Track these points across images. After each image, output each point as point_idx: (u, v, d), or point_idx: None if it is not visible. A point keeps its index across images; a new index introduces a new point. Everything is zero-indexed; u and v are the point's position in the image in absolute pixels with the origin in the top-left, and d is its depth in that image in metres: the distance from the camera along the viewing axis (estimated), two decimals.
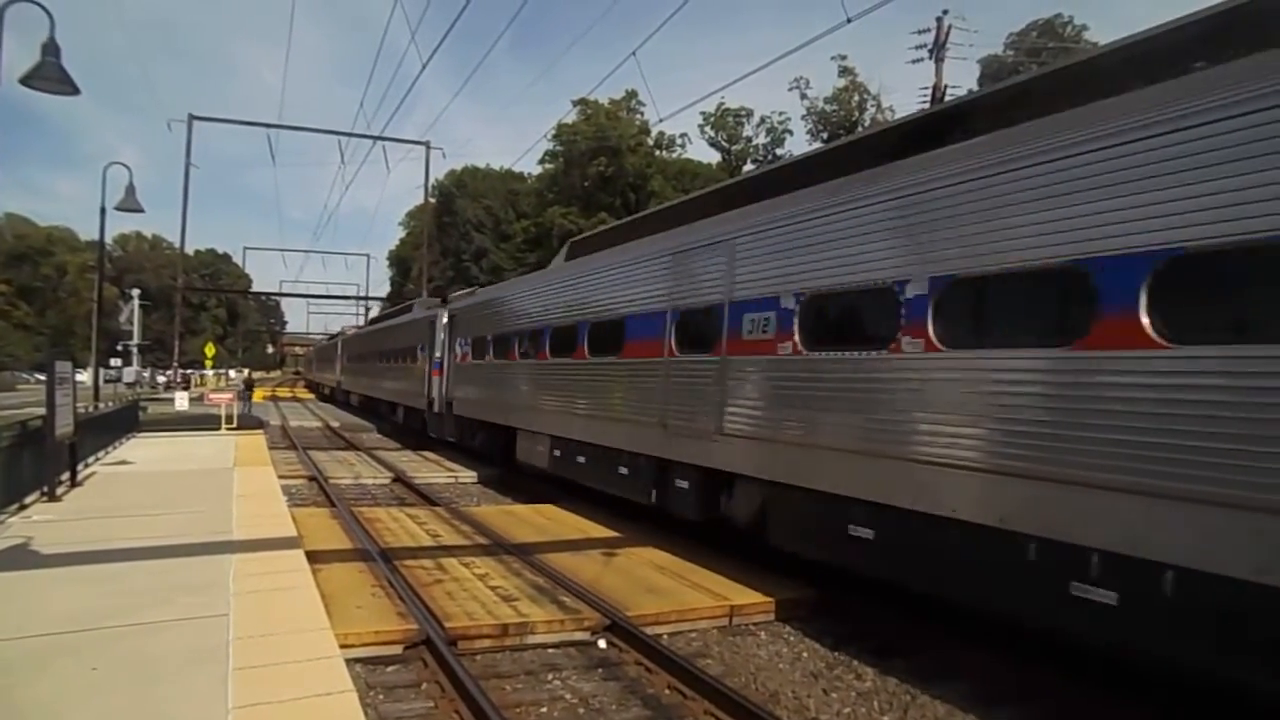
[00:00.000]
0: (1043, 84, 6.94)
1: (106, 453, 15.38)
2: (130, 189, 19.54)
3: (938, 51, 29.41)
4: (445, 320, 21.91)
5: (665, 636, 7.29)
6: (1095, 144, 5.45)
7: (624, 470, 11.48)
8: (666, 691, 6.16)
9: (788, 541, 8.33)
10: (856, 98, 71.19)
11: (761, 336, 8.49)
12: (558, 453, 13.76)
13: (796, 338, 8.04)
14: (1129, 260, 5.13)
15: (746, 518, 8.90)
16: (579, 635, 7.25)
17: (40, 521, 8.92)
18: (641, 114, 75.29)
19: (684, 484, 10.02)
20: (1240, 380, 4.57)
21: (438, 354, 22.24)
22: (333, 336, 68.45)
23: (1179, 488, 4.76)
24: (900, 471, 6.66)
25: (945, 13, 29.49)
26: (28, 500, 9.91)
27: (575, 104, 70.80)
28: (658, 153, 79.56)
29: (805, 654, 7.18)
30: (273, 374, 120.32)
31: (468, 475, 18.28)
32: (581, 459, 12.86)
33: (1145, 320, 5.05)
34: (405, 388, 26.27)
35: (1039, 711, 5.98)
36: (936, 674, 6.62)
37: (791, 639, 7.56)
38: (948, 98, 29.73)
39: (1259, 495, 4.40)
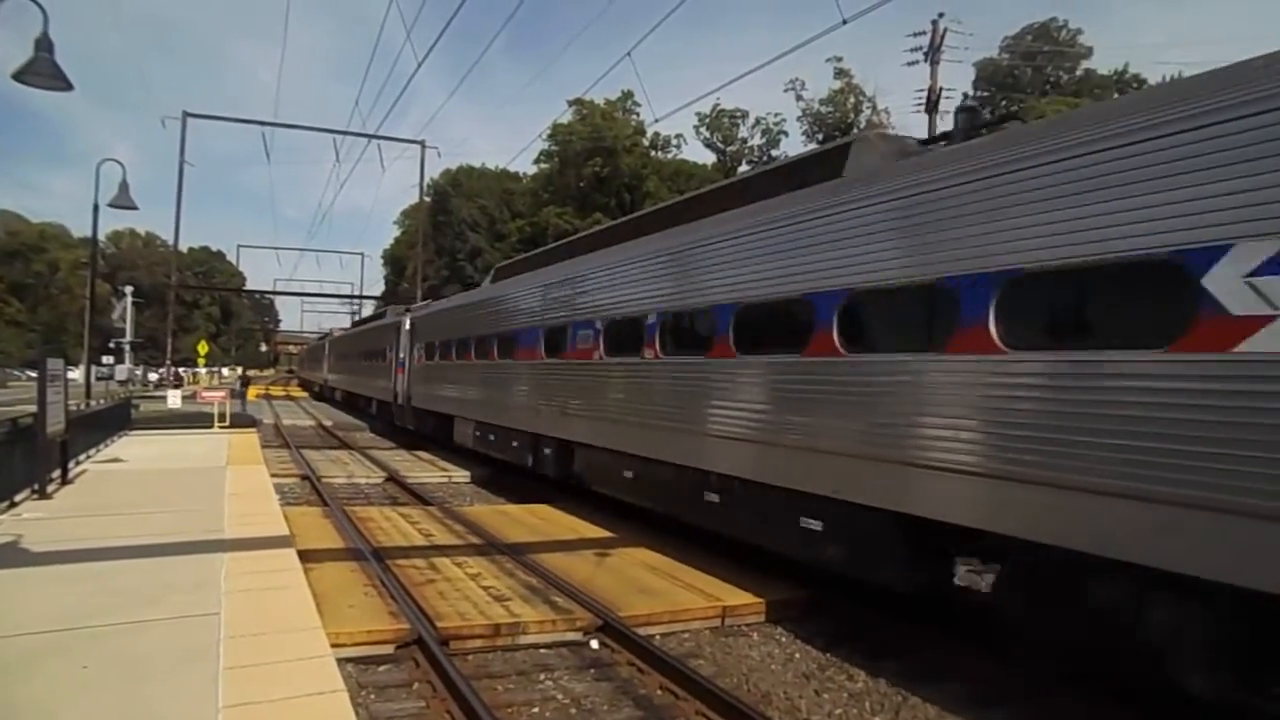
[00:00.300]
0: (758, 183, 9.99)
1: (98, 450, 15.32)
2: (124, 186, 19.43)
3: (933, 54, 29.50)
4: (408, 326, 25.11)
5: (657, 637, 7.29)
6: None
7: (515, 444, 15.50)
8: (659, 692, 6.16)
9: (595, 483, 12.43)
10: (852, 100, 71.31)
11: (585, 347, 12.37)
12: (478, 434, 17.84)
13: (601, 348, 11.90)
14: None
15: (580, 471, 12.84)
16: (571, 635, 7.25)
17: (31, 519, 8.87)
18: (637, 115, 75.20)
19: (548, 451, 13.92)
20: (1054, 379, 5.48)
21: (401, 355, 25.50)
22: (322, 337, 68.72)
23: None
24: (656, 435, 10.15)
25: (941, 15, 29.61)
26: (18, 498, 9.86)
27: (571, 104, 70.72)
28: (653, 153, 79.53)
29: (797, 655, 7.19)
30: (266, 372, 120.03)
31: (461, 475, 18.26)
32: (492, 437, 16.93)
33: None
34: (378, 384, 29.60)
35: (1031, 712, 6.00)
36: (928, 675, 6.64)
37: (783, 640, 7.56)
38: (943, 101, 29.88)
39: None
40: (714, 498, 9.12)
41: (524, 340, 15.02)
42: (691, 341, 9.75)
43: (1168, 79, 58.08)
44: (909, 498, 6.39)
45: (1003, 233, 5.87)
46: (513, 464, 15.89)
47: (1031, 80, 65.69)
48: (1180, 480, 4.62)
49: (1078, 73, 65.52)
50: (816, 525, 7.51)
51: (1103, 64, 65.40)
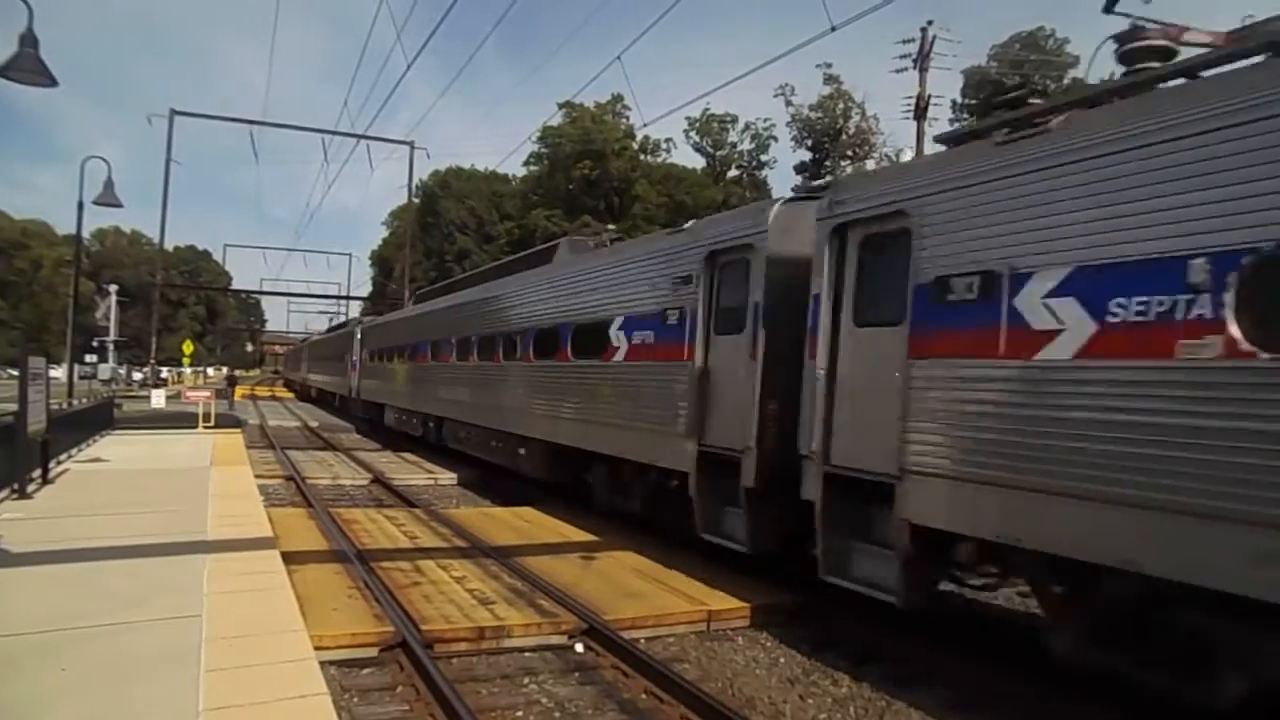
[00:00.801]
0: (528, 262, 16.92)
1: (80, 450, 15.18)
2: (109, 184, 19.33)
3: (922, 61, 29.65)
4: (359, 336, 32.33)
5: (643, 641, 7.28)
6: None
7: (415, 421, 22.86)
8: (643, 696, 6.15)
9: (451, 443, 19.63)
10: (841, 105, 71.59)
11: (443, 355, 19.75)
12: (399, 417, 25.19)
13: (454, 356, 18.84)
14: None
15: (446, 436, 19.97)
16: (556, 639, 7.23)
17: (10, 519, 8.78)
18: (627, 118, 75.27)
19: (432, 424, 21.14)
20: None
21: (354, 358, 32.50)
22: (302, 341, 69.32)
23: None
24: (481, 411, 16.98)
25: (930, 23, 29.76)
26: None
27: (561, 106, 70.70)
28: (643, 157, 79.58)
29: (782, 659, 7.20)
30: (252, 373, 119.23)
31: (447, 477, 18.20)
32: (403, 417, 24.49)
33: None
34: (338, 381, 37.66)
35: (1016, 718, 6.02)
36: (913, 680, 6.66)
37: (768, 644, 7.57)
38: (931, 108, 30.04)
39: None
40: (522, 450, 14.76)
41: (419, 349, 22.45)
42: (488, 352, 16.53)
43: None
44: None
45: (623, 287, 11.03)
46: (411, 435, 23.64)
47: (1019, 88, 66.15)
48: None
49: (1065, 81, 66.05)
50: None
51: (1090, 74, 65.95)
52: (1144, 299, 4.83)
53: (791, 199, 8.88)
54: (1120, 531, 4.89)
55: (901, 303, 6.53)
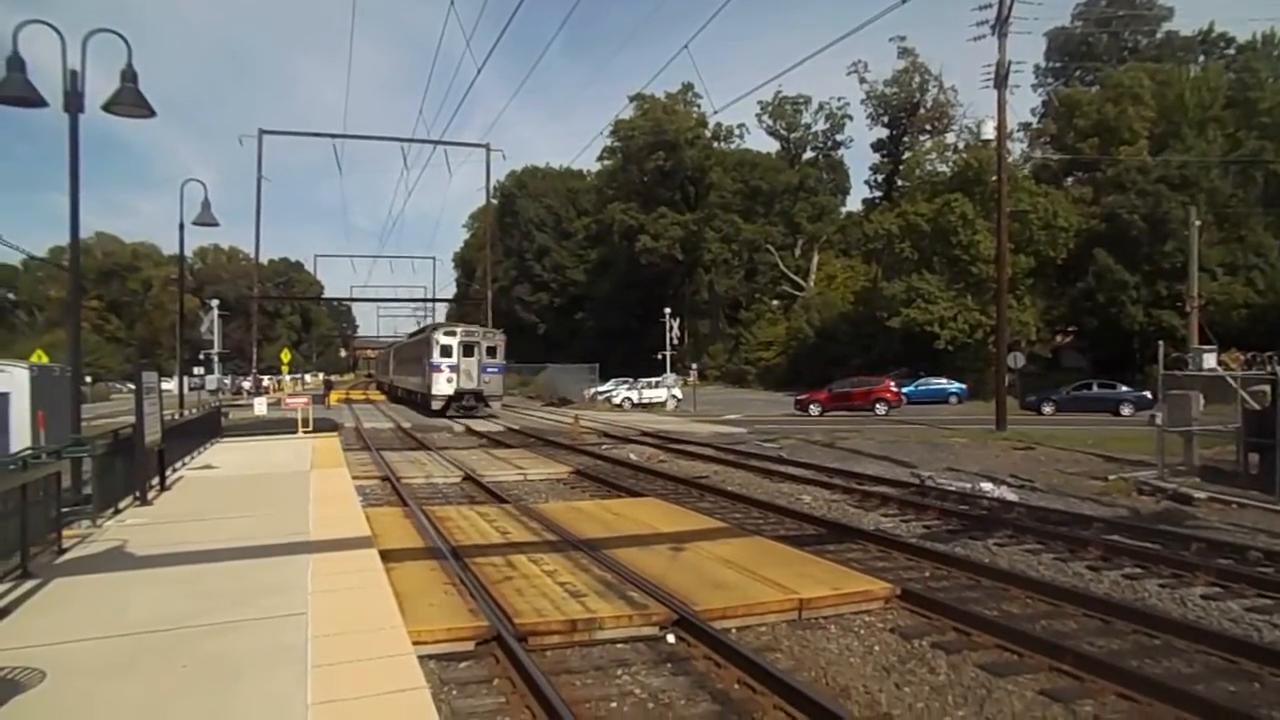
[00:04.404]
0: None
1: (192, 458, 16.03)
2: (206, 204, 20.24)
3: (1000, 27, 28.48)
4: (438, 337, 38.97)
5: (733, 631, 7.26)
6: None
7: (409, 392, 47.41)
8: (736, 686, 6.13)
9: (393, 400, 56.34)
10: (917, 79, 69.57)
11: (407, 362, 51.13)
12: (400, 392, 52.98)
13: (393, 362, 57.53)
14: None
15: (401, 395, 52.94)
16: (647, 630, 7.27)
17: (133, 525, 9.35)
18: (698, 107, 74.77)
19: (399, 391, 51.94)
20: None
21: (432, 359, 38.02)
22: (387, 347, 73.68)
23: None
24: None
25: None
26: (122, 505, 10.40)
27: (632, 99, 70.76)
28: (716, 144, 78.90)
29: (876, 648, 7.07)
30: (346, 377, 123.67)
31: (536, 473, 18.52)
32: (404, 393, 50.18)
33: None
34: (418, 381, 42.70)
35: (1122, 706, 5.77)
36: (1013, 668, 6.45)
37: (862, 632, 7.44)
38: (1012, 74, 28.86)
39: None
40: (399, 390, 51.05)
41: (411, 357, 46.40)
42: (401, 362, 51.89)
43: (1259, 37, 55.18)
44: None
45: (415, 347, 45.96)
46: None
47: (1108, 47, 62.91)
48: None
49: (1158, 36, 62.51)
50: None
51: (1185, 24, 62.14)
52: None
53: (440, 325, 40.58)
54: None
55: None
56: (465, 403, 37.05)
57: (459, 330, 38.95)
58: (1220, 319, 38.66)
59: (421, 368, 39.38)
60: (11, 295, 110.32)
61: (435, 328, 40.86)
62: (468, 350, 37.26)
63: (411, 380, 44.71)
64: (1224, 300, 43.46)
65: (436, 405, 37.03)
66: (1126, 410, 36.62)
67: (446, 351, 37.08)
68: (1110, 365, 47.39)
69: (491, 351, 38.15)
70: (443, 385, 36.89)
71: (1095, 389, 39.95)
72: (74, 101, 10.01)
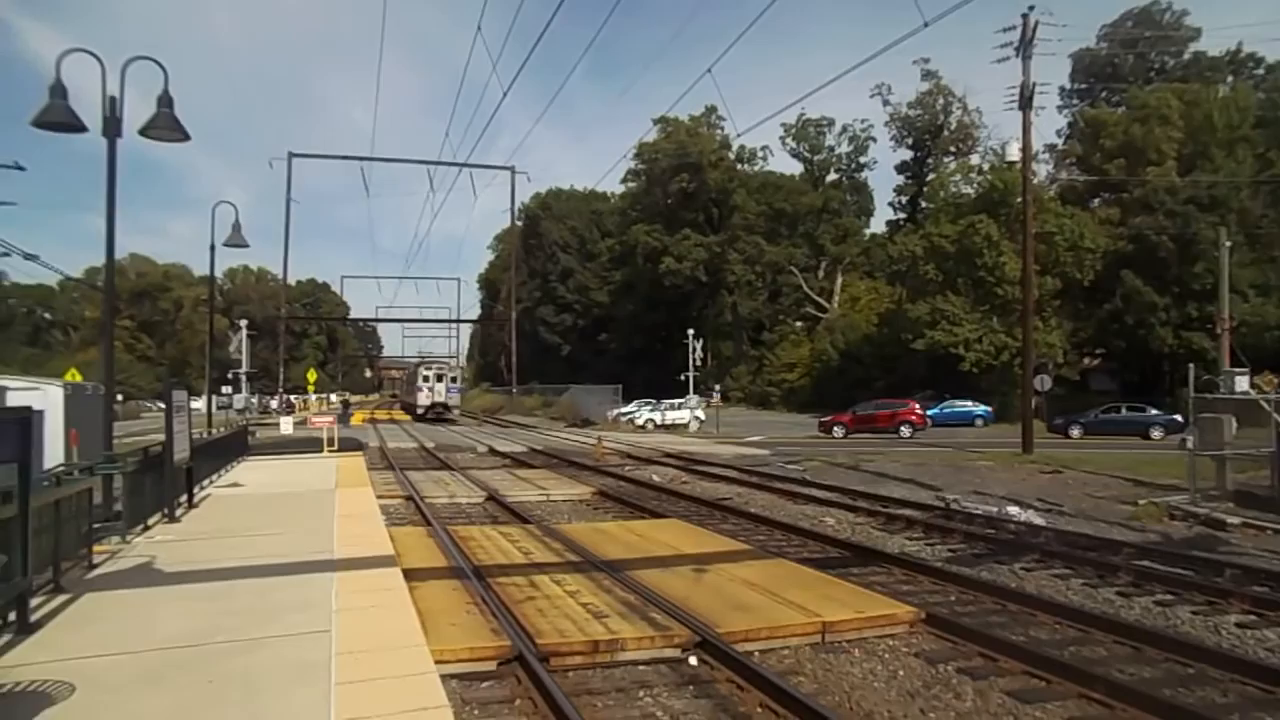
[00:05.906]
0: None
1: (220, 475, 16.22)
2: (236, 226, 20.58)
3: (1024, 49, 28.45)
4: (421, 370, 62.34)
5: (756, 654, 7.20)
6: None
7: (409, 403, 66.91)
8: (759, 710, 6.08)
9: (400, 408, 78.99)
10: (941, 101, 69.54)
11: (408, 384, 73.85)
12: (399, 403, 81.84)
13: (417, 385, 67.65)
14: None
15: (406, 405, 72.75)
16: (669, 652, 7.23)
17: (161, 541, 9.48)
18: (721, 129, 75.09)
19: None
20: None
21: (417, 384, 60.89)
22: (415, 367, 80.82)
23: None
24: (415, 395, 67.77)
25: (1031, 9, 28.52)
26: (150, 521, 10.55)
27: (655, 122, 71.32)
28: (740, 166, 79.13)
29: (901, 672, 6.99)
30: (370, 397, 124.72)
31: (559, 493, 18.53)
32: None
33: None
34: (409, 397, 65.38)
35: None
36: (1041, 695, 6.35)
37: (886, 656, 7.36)
38: (1037, 96, 28.78)
39: None
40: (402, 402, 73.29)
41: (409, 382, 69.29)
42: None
43: None
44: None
45: (403, 385, 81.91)
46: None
47: (1134, 68, 62.49)
48: None
49: (1185, 56, 62.04)
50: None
51: (1213, 45, 61.59)
52: None
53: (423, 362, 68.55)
54: None
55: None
56: (435, 410, 58.02)
57: (434, 365, 62.95)
58: (1252, 341, 38.06)
59: (413, 389, 62.85)
60: (48, 315, 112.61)
61: (420, 363, 68.08)
62: (439, 378, 59.40)
63: (408, 397, 68.88)
64: (1256, 322, 42.79)
65: (420, 411, 58.89)
66: (1157, 434, 36.04)
67: (426, 379, 59.40)
68: (1139, 388, 46.74)
69: (453, 379, 62.50)
70: (423, 399, 58.63)
71: (1124, 412, 39.41)
72: (112, 126, 10.27)
